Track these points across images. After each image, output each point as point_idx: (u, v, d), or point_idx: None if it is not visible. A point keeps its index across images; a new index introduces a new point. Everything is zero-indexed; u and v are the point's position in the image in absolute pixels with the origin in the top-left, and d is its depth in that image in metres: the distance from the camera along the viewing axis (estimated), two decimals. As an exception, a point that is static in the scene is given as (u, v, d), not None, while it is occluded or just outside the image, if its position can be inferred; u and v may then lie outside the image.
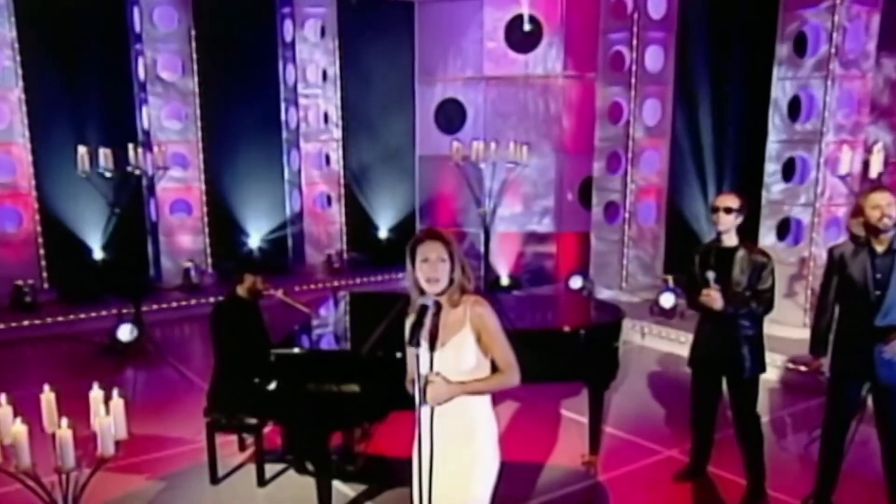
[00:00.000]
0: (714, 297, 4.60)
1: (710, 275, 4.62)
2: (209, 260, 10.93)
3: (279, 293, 5.60)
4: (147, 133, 10.29)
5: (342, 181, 12.08)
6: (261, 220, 11.68)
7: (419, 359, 2.85)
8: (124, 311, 8.37)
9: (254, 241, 11.54)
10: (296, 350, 4.50)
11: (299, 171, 11.69)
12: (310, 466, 4.98)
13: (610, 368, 5.09)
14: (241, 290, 5.26)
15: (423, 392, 2.90)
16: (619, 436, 5.99)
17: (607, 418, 6.07)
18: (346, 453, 5.42)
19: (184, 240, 10.75)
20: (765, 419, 4.87)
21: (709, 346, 4.80)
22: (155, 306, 9.72)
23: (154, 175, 8.69)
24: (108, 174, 7.09)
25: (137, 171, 7.31)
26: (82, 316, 9.28)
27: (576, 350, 4.86)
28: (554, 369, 4.83)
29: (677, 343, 8.07)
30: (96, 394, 3.30)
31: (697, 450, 5.17)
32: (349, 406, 4.23)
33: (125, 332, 8.10)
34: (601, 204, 9.97)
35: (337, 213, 12.06)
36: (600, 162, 9.89)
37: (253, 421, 5.14)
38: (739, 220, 4.70)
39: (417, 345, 2.81)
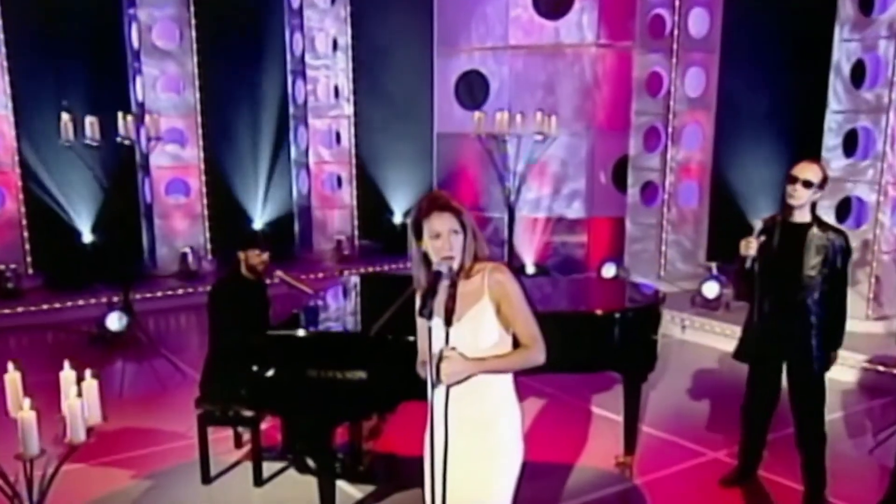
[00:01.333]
0: (752, 244, 4.38)
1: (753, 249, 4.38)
2: (208, 246, 10.88)
3: (278, 273, 5.55)
4: (141, 106, 10.24)
5: (354, 161, 12.04)
6: (265, 202, 11.69)
7: (432, 333, 2.72)
8: (115, 298, 8.27)
9: (257, 225, 11.53)
10: (295, 332, 4.33)
11: (307, 149, 11.69)
12: (312, 465, 4.90)
13: (648, 357, 4.92)
14: (243, 269, 5.22)
15: (437, 371, 2.77)
16: (658, 435, 5.88)
17: (644, 417, 5.93)
18: (352, 451, 5.31)
19: (181, 223, 10.71)
20: (826, 418, 4.67)
21: (772, 336, 4.58)
22: (149, 294, 9.72)
23: (147, 147, 8.51)
24: (94, 143, 6.94)
25: (127, 142, 7.16)
26: (69, 304, 9.27)
27: (609, 336, 4.71)
28: (584, 358, 4.70)
29: (722, 337, 7.87)
30: (67, 374, 3.13)
31: (748, 451, 4.99)
32: (355, 395, 4.10)
33: (114, 321, 8.05)
34: (637, 185, 9.81)
35: (348, 195, 12.04)
36: (637, 138, 9.72)
37: (249, 413, 5.05)
38: (818, 195, 4.45)
39: (430, 317, 2.68)
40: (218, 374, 5.09)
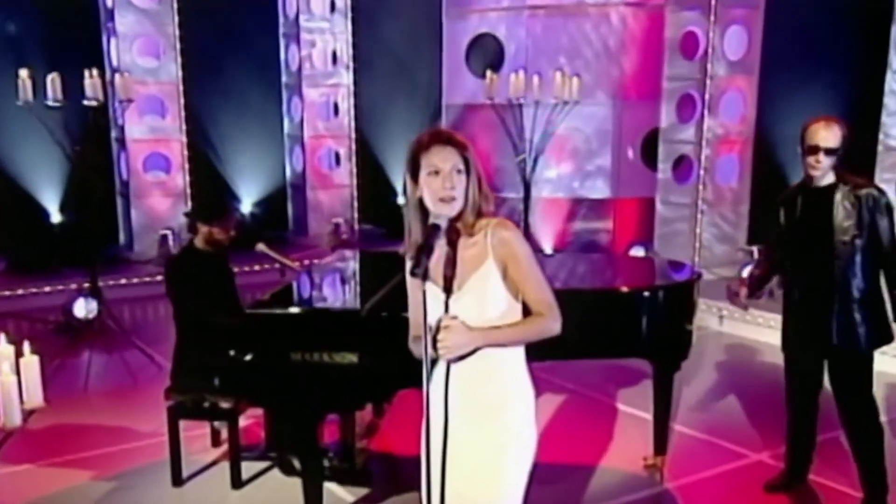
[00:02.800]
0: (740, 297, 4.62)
1: None
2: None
3: (260, 245, 5.48)
4: (115, 72, 9.95)
5: (353, 136, 11.98)
6: (255, 181, 11.66)
7: (427, 301, 2.66)
8: (86, 284, 8.15)
9: (246, 206, 11.48)
10: (275, 310, 4.27)
11: (301, 122, 11.65)
12: (298, 465, 4.78)
13: (680, 342, 4.82)
14: (198, 242, 5.16)
15: (435, 344, 2.65)
16: (692, 435, 5.79)
17: (676, 414, 5.84)
18: (344, 449, 5.22)
19: (160, 203, 10.64)
20: (883, 419, 4.66)
21: (808, 316, 4.44)
22: (124, 281, 9.68)
23: (119, 113, 8.33)
24: (55, 105, 6.77)
25: (94, 103, 6.99)
26: (34, 290, 9.23)
27: (637, 317, 4.60)
28: (608, 343, 4.62)
29: (766, 328, 7.73)
30: (3, 348, 2.93)
31: (795, 453, 4.84)
32: (344, 382, 4.02)
33: (80, 307, 7.94)
34: (669, 160, 9.63)
35: (347, 174, 12.03)
36: (669, 107, 9.55)
37: (226, 405, 4.95)
38: (837, 157, 4.29)
39: (424, 277, 2.62)
40: (186, 359, 5.06)
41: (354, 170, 11.92)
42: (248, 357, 4.10)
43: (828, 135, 4.22)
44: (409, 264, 2.71)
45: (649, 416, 5.10)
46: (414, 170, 2.76)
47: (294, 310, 4.35)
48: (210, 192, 10.44)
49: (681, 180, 9.63)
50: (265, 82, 11.57)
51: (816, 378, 4.59)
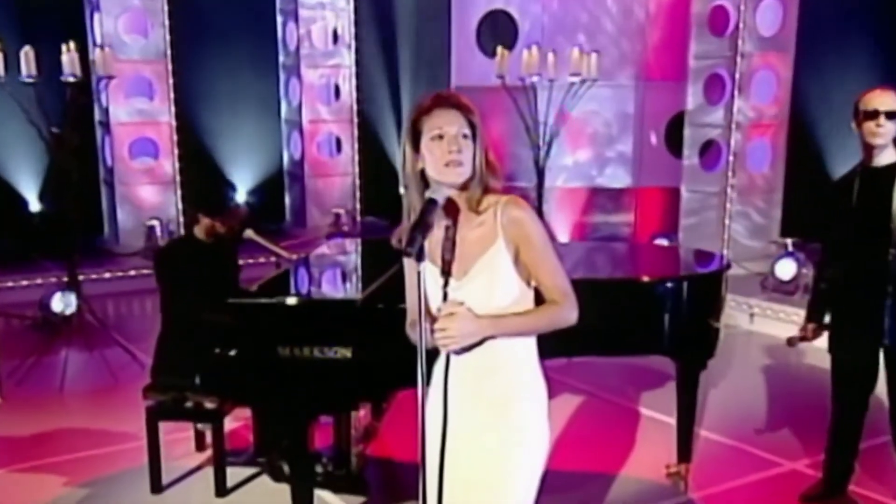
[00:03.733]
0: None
1: None
2: (181, 219, 10.72)
3: (249, 232, 5.54)
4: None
5: (356, 120, 11.99)
6: (249, 168, 11.70)
7: (425, 282, 2.59)
8: (65, 279, 8.15)
9: (240, 195, 11.50)
10: (260, 300, 4.22)
11: (300, 106, 11.64)
12: (288, 470, 4.74)
13: (707, 339, 4.78)
14: (199, 232, 5.16)
15: (435, 332, 2.62)
16: (720, 441, 5.74)
17: (702, 419, 5.81)
18: (338, 454, 5.15)
19: (147, 192, 10.62)
20: None
21: (860, 312, 4.35)
22: (108, 275, 9.66)
23: (101, 93, 8.24)
24: (29, 80, 6.69)
25: (72, 79, 6.91)
26: (10, 284, 9.19)
27: (659, 310, 4.56)
28: (627, 338, 4.60)
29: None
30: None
31: (836, 461, 4.75)
32: (337, 379, 3.96)
33: (59, 302, 7.94)
34: (696, 145, 9.59)
35: (349, 161, 12.06)
36: (696, 88, 9.50)
37: (210, 405, 4.90)
38: None
39: (420, 257, 2.50)
40: (170, 354, 5.03)
41: (357, 157, 11.95)
42: (232, 352, 4.04)
43: (886, 98, 4.14)
44: (403, 241, 2.62)
45: (672, 421, 5.06)
46: (415, 137, 2.70)
47: (282, 300, 4.27)
48: (214, 183, 10.57)
49: (708, 167, 9.58)
50: (261, 63, 11.62)
51: (869, 379, 4.48)
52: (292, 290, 4.72)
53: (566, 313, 2.72)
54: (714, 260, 5.38)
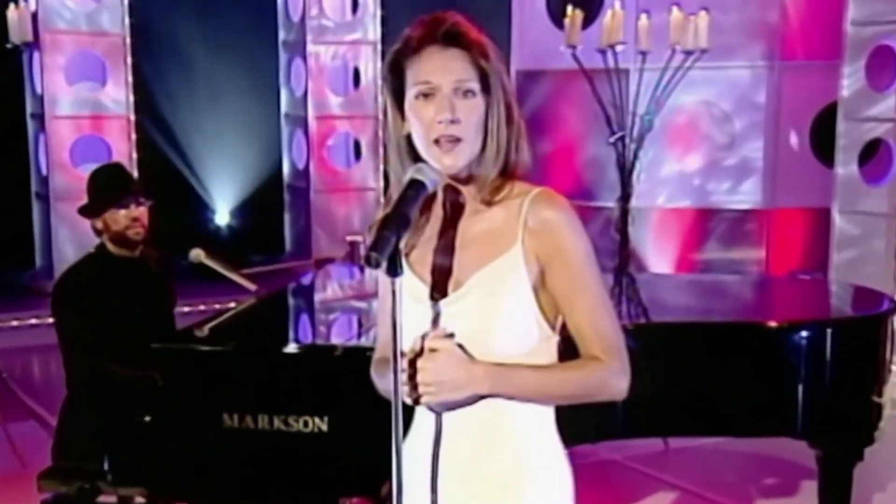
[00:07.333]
0: None
1: None
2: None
3: (197, 252, 5.33)
4: (34, 16, 9.98)
5: (381, 117, 11.65)
6: (236, 180, 11.95)
7: (404, 301, 2.41)
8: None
9: (222, 216, 11.70)
10: (199, 346, 4.28)
11: (306, 96, 11.68)
12: None
13: (864, 415, 4.69)
14: (108, 244, 5.05)
15: (413, 376, 2.50)
16: None
17: None
18: None
19: None
20: None
21: None
22: (34, 320, 9.59)
23: (34, 72, 8.13)
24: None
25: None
26: None
27: (790, 370, 4.52)
28: (743, 412, 4.60)
29: None
30: None
31: None
32: (308, 464, 4.00)
33: None
34: (854, 149, 9.36)
35: (370, 171, 12.09)
36: (855, 67, 9.28)
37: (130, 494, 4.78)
38: None
39: (394, 269, 2.37)
40: (74, 427, 4.93)
41: (381, 166, 11.85)
42: (155, 422, 4.14)
43: None
44: (368, 241, 2.46)
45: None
46: (397, 91, 2.58)
47: (230, 345, 4.31)
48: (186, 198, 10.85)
49: (872, 179, 9.43)
50: (254, 38, 11.77)
51: None
52: (251, 334, 4.74)
53: (611, 378, 2.56)
54: (879, 302, 5.28)
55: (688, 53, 8.53)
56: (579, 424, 2.90)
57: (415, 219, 2.46)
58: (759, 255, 10.87)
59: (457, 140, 2.48)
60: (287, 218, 12.09)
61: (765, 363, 4.56)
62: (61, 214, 10.44)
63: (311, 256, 11.82)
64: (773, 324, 4.69)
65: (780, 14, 10.41)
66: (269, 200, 11.90)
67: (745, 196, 10.72)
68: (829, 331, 4.59)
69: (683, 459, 6.38)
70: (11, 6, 7.88)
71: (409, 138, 2.58)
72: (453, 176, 2.55)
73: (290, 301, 5.38)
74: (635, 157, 9.06)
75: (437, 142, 2.49)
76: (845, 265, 9.49)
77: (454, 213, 2.60)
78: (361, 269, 9.44)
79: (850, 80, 9.35)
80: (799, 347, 4.53)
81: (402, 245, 2.38)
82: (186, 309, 8.87)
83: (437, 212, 2.59)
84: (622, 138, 8.88)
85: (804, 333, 4.52)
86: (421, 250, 2.59)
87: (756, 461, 6.52)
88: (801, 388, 4.52)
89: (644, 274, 8.93)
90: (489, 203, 2.58)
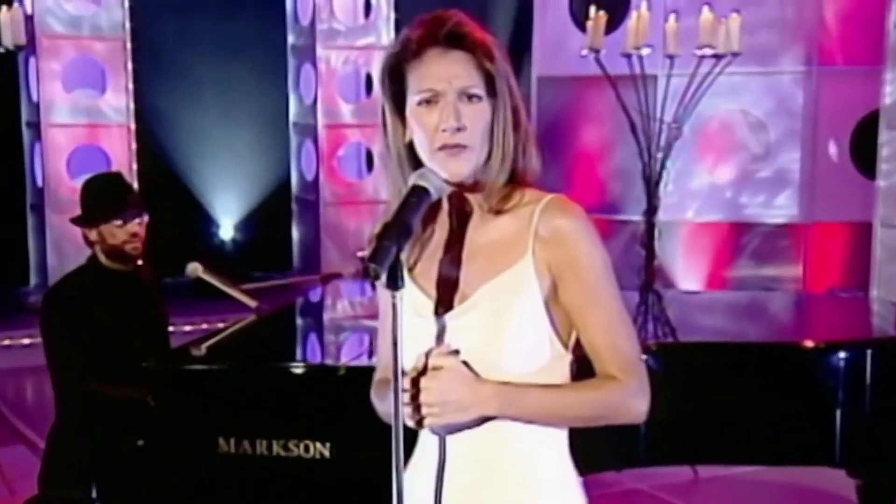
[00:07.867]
0: None
1: None
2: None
3: (195, 266, 5.37)
4: (30, 20, 10.12)
5: (380, 122, 11.83)
6: (241, 192, 11.94)
7: (405, 317, 2.40)
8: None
9: (226, 229, 11.80)
10: (193, 365, 4.31)
11: (315, 104, 11.70)
12: None
13: None
14: (101, 257, 5.00)
15: (416, 399, 2.48)
16: None
17: None
18: None
19: None
20: None
21: None
22: (27, 340, 9.49)
23: (29, 78, 8.14)
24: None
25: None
26: None
27: (828, 394, 4.49)
28: (778, 438, 4.56)
29: None
30: None
31: None
32: (311, 493, 4.01)
33: None
34: None
35: (383, 183, 11.51)
36: (895, 74, 9.21)
37: None
38: None
39: (395, 282, 2.36)
40: (60, 453, 4.87)
41: None
42: (148, 446, 4.16)
43: None
44: (367, 253, 2.47)
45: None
46: (397, 95, 2.54)
47: (225, 365, 4.35)
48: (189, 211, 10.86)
49: None
50: (261, 42, 11.76)
51: None
52: (250, 352, 4.78)
53: (630, 398, 2.53)
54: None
55: (719, 57, 8.50)
56: (597, 450, 2.87)
57: (417, 227, 2.44)
58: (796, 271, 10.88)
59: (461, 148, 2.48)
60: (295, 232, 12.12)
61: (801, 386, 4.54)
62: (57, 228, 10.34)
63: (320, 272, 11.89)
64: (809, 344, 4.64)
65: (818, 16, 10.39)
66: (276, 213, 11.90)
67: (781, 209, 10.73)
68: (869, 352, 4.54)
69: (714, 489, 6.33)
70: (4, 8, 7.84)
71: (409, 146, 2.56)
72: (459, 183, 2.54)
73: (293, 318, 5.38)
74: (662, 167, 9.06)
75: (442, 148, 2.48)
76: (887, 282, 9.42)
77: (460, 222, 2.58)
78: (373, 286, 9.44)
79: (893, 87, 9.28)
80: (837, 369, 4.49)
81: (403, 256, 2.36)
82: (188, 328, 8.99)
83: (443, 222, 2.57)
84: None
85: (843, 354, 4.48)
86: (425, 263, 2.57)
87: (792, 492, 6.45)
88: (839, 413, 4.48)
89: (671, 291, 9.04)
90: (498, 212, 2.57)
